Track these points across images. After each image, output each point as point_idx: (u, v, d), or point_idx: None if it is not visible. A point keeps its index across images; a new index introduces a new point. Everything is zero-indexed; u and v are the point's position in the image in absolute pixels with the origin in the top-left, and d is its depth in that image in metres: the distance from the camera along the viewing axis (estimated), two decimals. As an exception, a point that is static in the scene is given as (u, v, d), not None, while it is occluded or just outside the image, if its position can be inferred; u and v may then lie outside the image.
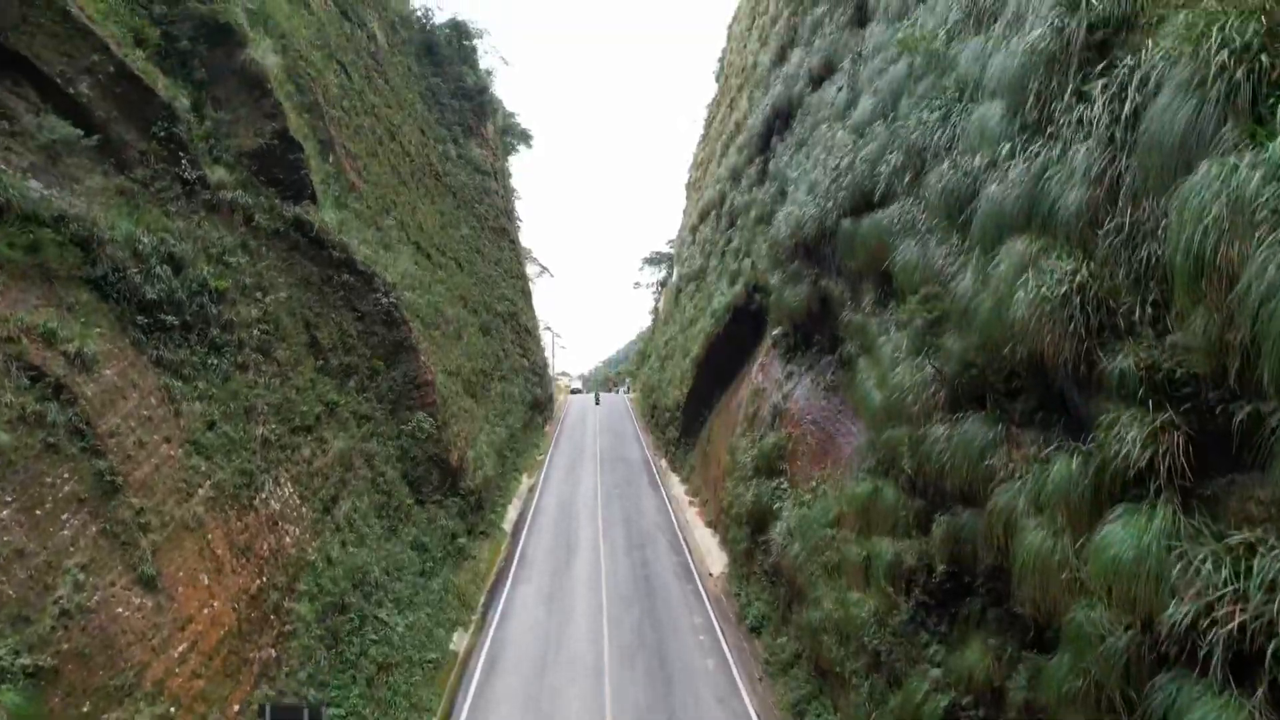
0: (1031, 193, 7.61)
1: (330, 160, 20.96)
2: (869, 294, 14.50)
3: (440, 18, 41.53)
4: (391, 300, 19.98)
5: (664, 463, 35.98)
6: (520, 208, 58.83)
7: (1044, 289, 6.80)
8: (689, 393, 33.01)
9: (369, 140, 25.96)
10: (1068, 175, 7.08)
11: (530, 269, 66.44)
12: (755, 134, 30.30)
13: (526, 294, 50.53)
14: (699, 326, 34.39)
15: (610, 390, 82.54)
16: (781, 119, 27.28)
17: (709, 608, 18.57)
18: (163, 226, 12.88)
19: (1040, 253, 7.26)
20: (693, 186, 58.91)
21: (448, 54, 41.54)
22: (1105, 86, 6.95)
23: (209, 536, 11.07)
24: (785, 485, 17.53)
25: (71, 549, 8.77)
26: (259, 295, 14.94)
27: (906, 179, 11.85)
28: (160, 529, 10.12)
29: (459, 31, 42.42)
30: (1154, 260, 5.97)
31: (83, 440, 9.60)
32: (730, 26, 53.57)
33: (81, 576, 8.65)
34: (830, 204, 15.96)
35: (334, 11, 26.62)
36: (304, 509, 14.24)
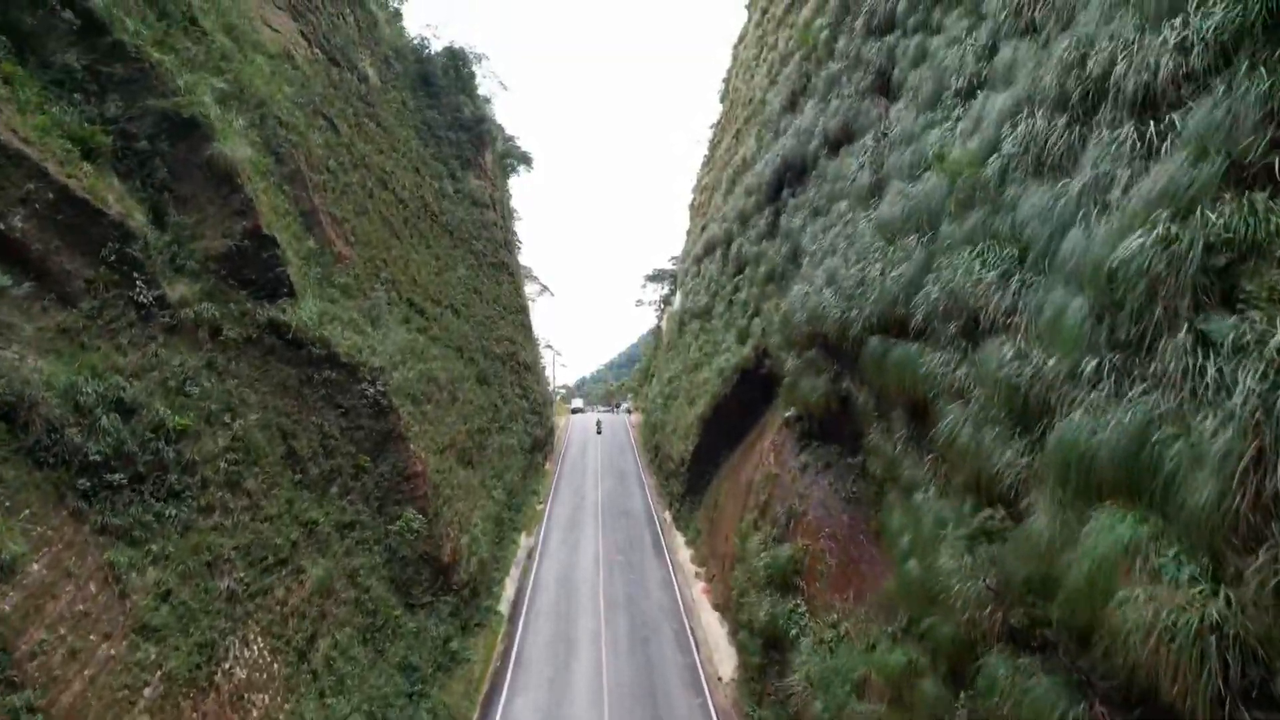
0: (1133, 451, 6.17)
1: (314, 234, 19.58)
2: (900, 425, 13.06)
3: (437, 45, 40.04)
4: (379, 389, 18.58)
5: (668, 516, 34.61)
6: (520, 228, 57.31)
7: (1164, 615, 5.37)
8: (694, 451, 31.61)
9: (358, 196, 24.53)
10: (1191, 455, 5.63)
11: (530, 289, 65.11)
12: (765, 182, 28.85)
13: (526, 327, 49.08)
14: (704, 377, 32.95)
15: (612, 408, 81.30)
16: (794, 172, 25.86)
17: (719, 733, 17.21)
18: (112, 366, 11.52)
19: (1150, 542, 5.83)
20: (697, 210, 57.38)
21: (445, 84, 40.02)
22: (1240, 345, 5.52)
23: (155, 748, 9.71)
24: (803, 609, 16.12)
25: (-24, 828, 7.42)
26: (227, 420, 13.57)
27: (951, 329, 10.42)
28: (93, 763, 8.76)
29: (456, 60, 40.86)
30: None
31: (-2, 672, 8.25)
32: (736, 48, 51.98)
33: None
34: (855, 311, 14.53)
35: (321, 61, 25.15)
36: (275, 665, 12.88)
